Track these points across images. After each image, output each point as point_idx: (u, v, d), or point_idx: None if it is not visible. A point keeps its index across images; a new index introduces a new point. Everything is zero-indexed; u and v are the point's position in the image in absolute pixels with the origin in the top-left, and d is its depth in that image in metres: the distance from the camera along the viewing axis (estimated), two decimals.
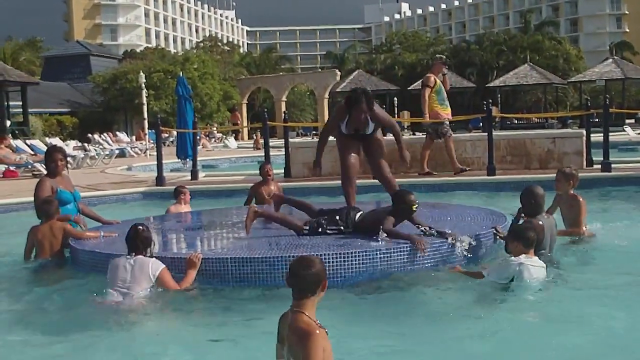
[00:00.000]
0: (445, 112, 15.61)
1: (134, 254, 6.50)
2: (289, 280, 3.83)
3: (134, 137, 42.69)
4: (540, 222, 7.15)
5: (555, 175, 8.70)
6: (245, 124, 52.99)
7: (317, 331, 3.66)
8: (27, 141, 27.40)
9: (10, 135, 30.29)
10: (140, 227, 6.56)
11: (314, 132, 44.89)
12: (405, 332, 5.44)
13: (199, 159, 19.11)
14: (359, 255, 6.64)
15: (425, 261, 6.87)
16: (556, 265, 7.06)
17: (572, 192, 8.40)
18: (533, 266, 6.32)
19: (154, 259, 6.51)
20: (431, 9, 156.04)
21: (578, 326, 5.43)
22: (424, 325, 5.59)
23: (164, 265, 6.47)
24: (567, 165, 8.69)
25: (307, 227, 7.56)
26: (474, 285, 6.45)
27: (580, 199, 8.36)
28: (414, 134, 33.93)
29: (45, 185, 8.44)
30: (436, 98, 15.46)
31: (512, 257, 6.40)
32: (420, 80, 16.13)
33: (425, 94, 15.46)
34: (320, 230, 7.49)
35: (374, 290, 6.40)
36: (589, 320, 5.55)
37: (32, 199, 8.64)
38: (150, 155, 30.31)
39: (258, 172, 11.54)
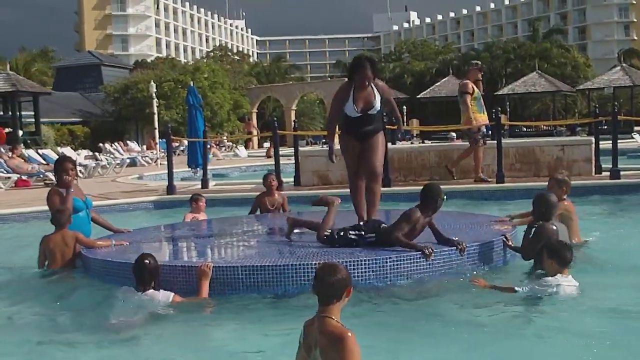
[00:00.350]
0: (483, 119, 15.55)
1: (142, 288, 6.46)
2: (315, 286, 3.91)
3: (144, 147, 42.87)
4: (554, 227, 7.20)
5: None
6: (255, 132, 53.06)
7: (350, 334, 3.74)
8: (39, 150, 27.60)
9: (22, 144, 30.54)
10: (147, 260, 6.50)
11: (324, 140, 44.94)
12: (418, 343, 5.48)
13: (209, 167, 19.21)
14: (368, 263, 6.71)
15: (434, 269, 6.93)
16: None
17: (564, 198, 8.37)
18: (569, 286, 6.30)
19: (162, 291, 6.48)
20: (440, 17, 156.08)
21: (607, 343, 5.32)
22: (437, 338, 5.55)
23: (173, 294, 6.47)
24: (559, 172, 8.65)
25: (329, 232, 7.58)
26: (503, 299, 6.35)
27: (572, 207, 8.35)
28: (423, 142, 33.97)
29: (54, 196, 8.55)
30: (475, 104, 15.39)
31: (549, 277, 6.34)
32: (458, 89, 15.99)
33: (467, 101, 15.35)
34: (342, 234, 7.46)
35: (385, 299, 6.44)
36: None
37: (43, 207, 8.75)
38: (161, 164, 30.44)
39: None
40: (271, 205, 11.08)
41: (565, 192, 8.26)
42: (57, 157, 24.77)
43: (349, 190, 8.50)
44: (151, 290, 6.45)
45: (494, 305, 6.18)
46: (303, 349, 3.98)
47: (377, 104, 8.14)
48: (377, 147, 8.24)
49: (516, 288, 6.39)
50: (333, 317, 3.85)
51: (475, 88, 15.39)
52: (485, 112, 15.78)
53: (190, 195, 11.63)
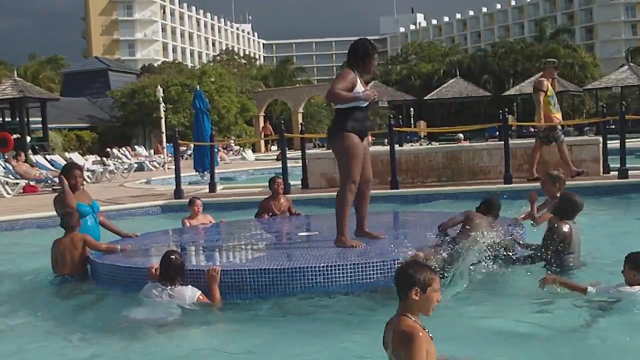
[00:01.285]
0: (558, 117, 15.47)
1: (168, 283, 6.54)
2: (395, 281, 3.96)
3: (152, 151, 42.96)
4: (568, 227, 7.17)
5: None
6: (263, 136, 53.11)
7: (420, 333, 3.75)
8: (47, 156, 27.66)
9: (30, 150, 30.61)
10: (173, 256, 6.59)
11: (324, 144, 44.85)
12: None
13: (216, 171, 19.22)
14: (377, 264, 6.69)
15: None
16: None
17: (558, 195, 8.31)
18: None
19: (189, 287, 6.54)
20: (446, 19, 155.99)
21: None
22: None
23: (200, 291, 6.52)
24: (555, 169, 8.62)
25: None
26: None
27: None
28: (430, 144, 33.92)
29: (64, 200, 8.56)
30: (550, 102, 15.33)
31: (627, 287, 6.11)
32: (533, 86, 15.93)
33: (540, 99, 15.28)
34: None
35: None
36: None
37: (51, 213, 8.77)
38: (168, 168, 30.49)
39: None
40: (277, 209, 11.07)
41: (558, 189, 8.22)
42: (65, 163, 24.88)
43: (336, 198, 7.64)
44: (178, 286, 6.53)
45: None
46: (385, 347, 4.01)
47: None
48: (369, 151, 7.85)
49: (589, 289, 6.15)
50: (409, 316, 3.86)
51: (550, 86, 15.32)
52: (560, 110, 15.68)
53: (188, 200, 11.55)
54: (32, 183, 21.85)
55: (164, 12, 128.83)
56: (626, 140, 15.81)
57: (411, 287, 3.85)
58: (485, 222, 7.29)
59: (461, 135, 35.28)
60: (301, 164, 17.56)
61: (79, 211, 8.48)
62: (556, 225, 7.23)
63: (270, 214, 11.04)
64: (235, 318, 6.30)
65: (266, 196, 11.67)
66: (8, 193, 20.65)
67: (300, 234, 9.09)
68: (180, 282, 6.57)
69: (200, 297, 6.49)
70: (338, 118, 7.60)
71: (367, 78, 8.29)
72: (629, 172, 14.90)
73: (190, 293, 6.48)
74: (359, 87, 7.44)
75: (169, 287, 6.52)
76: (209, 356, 5.42)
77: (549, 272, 6.84)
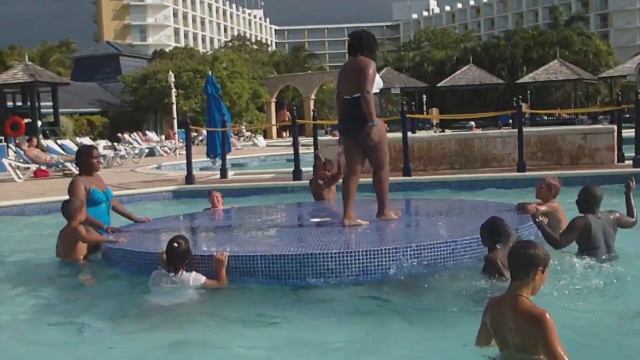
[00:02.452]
0: None
1: (173, 270, 6.51)
2: (512, 261, 4.06)
3: (163, 136, 43.01)
4: (583, 221, 7.06)
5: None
6: (274, 122, 53.07)
7: (547, 312, 3.81)
8: (58, 141, 27.68)
9: (41, 135, 30.64)
10: (175, 244, 6.52)
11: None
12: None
13: (228, 157, 19.17)
14: (389, 252, 6.59)
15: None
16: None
17: (552, 201, 8.24)
18: None
19: (193, 273, 6.51)
20: (459, 5, 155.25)
21: None
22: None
23: (204, 277, 6.50)
24: (551, 177, 8.54)
25: None
26: None
27: (560, 208, 8.19)
28: (442, 131, 33.76)
29: (79, 185, 8.44)
30: None
31: None
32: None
33: None
34: None
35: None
36: None
37: (62, 197, 8.69)
38: (179, 154, 30.48)
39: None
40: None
41: (554, 196, 8.15)
42: (76, 147, 24.94)
43: (372, 182, 8.18)
44: (183, 273, 6.50)
45: None
46: (488, 328, 4.05)
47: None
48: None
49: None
50: (525, 295, 3.92)
51: None
52: None
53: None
54: (43, 167, 21.85)
55: None
56: None
57: (535, 266, 3.96)
58: None
59: (472, 123, 35.11)
60: (313, 151, 17.48)
61: (93, 198, 8.40)
62: (573, 220, 7.13)
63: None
64: (241, 303, 6.24)
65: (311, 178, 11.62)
66: (19, 177, 20.65)
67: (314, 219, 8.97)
68: (184, 269, 6.53)
69: (206, 283, 6.47)
70: (359, 108, 7.75)
71: (379, 64, 8.42)
72: None
73: (195, 278, 6.47)
74: (380, 82, 7.92)
75: (173, 275, 6.49)
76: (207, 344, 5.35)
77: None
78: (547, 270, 4.03)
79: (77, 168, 9.41)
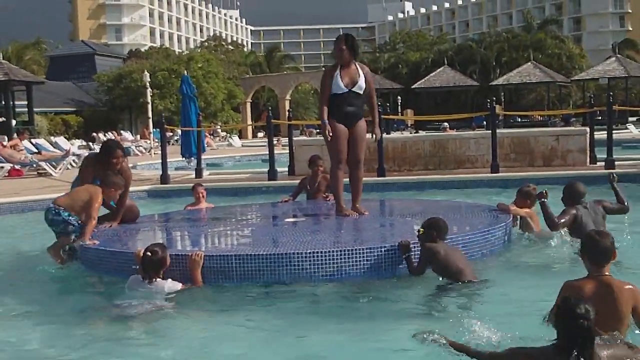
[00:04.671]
0: None
1: (148, 279, 6.44)
2: (601, 249, 4.62)
3: (138, 136, 42.77)
4: (572, 208, 7.57)
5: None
6: (249, 122, 53.05)
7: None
8: (33, 140, 27.47)
9: (15, 134, 30.38)
10: (149, 253, 6.44)
11: (317, 130, 44.89)
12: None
13: (203, 157, 19.16)
14: (362, 252, 6.66)
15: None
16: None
17: (530, 209, 8.40)
18: None
19: (169, 281, 6.45)
20: (434, 8, 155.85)
21: None
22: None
23: (181, 285, 6.45)
24: (526, 185, 8.69)
25: None
26: None
27: (534, 214, 8.34)
28: (417, 132, 33.95)
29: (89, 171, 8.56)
30: None
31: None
32: None
33: None
34: None
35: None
36: None
37: (36, 197, 8.68)
38: (154, 153, 30.36)
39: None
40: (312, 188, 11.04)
41: (530, 205, 8.34)
42: (51, 146, 24.77)
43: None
44: (158, 281, 6.44)
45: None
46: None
47: (362, 83, 8.49)
48: (364, 136, 8.66)
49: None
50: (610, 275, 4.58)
51: None
52: None
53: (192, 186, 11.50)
54: (17, 167, 21.69)
55: None
56: (613, 131, 15.86)
57: (612, 251, 4.64)
58: None
59: (446, 124, 35.32)
60: (288, 151, 17.53)
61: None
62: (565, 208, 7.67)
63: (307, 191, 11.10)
64: (221, 304, 6.26)
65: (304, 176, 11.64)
66: None
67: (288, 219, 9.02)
68: (159, 277, 6.46)
69: (182, 288, 6.43)
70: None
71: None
72: (616, 162, 14.94)
73: (170, 287, 6.41)
74: (337, 80, 8.49)
75: (148, 282, 6.43)
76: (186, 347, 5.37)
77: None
78: None
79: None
